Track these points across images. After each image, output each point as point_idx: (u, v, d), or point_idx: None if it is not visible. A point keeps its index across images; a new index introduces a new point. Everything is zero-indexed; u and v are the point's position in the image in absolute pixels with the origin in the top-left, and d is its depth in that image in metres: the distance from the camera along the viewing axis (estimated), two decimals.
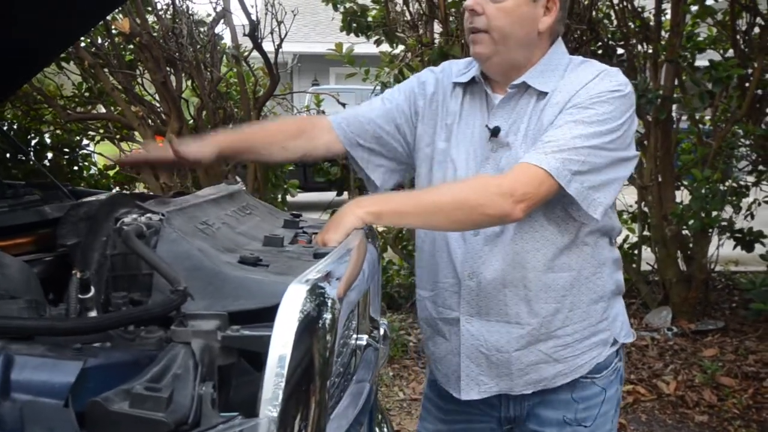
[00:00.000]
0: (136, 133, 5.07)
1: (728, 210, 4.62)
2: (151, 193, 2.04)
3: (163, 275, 0.99)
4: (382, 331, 1.66)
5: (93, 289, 1.00)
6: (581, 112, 1.53)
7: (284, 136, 1.78)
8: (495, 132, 1.62)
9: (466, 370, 1.67)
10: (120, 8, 4.74)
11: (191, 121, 4.95)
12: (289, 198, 5.66)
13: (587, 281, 1.65)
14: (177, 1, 4.73)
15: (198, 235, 1.20)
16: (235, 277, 1.08)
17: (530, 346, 1.64)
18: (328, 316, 1.04)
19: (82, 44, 4.78)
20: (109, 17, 4.76)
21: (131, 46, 4.83)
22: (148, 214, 1.16)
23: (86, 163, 5.71)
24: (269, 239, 1.39)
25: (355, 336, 1.47)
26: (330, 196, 5.22)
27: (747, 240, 4.68)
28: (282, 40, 4.56)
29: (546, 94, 1.60)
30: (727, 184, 4.56)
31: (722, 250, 4.89)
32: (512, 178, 1.49)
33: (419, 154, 1.75)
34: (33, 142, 5.54)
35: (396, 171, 1.83)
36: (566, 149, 1.49)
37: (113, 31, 4.70)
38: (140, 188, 5.59)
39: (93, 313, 1.00)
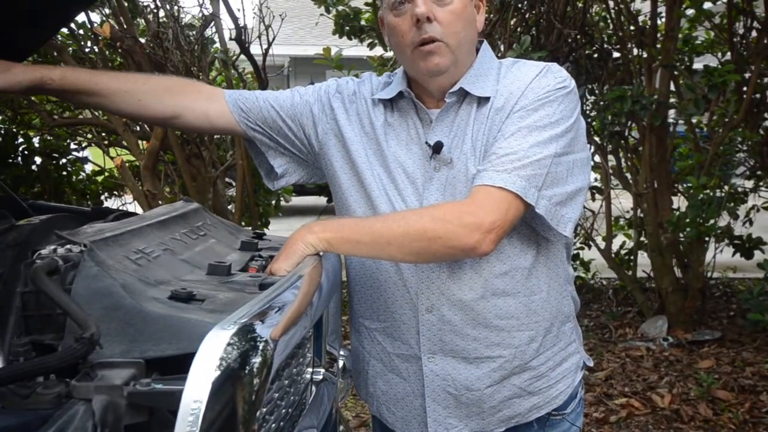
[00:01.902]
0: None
1: (726, 217, 4.52)
2: (109, 208, 1.94)
3: (72, 318, 0.90)
4: (341, 364, 1.55)
5: None
6: (531, 115, 1.40)
7: (148, 88, 1.59)
8: (437, 148, 1.46)
9: (432, 414, 1.52)
10: (104, 12, 4.68)
11: None
12: (285, 203, 5.58)
13: (556, 302, 1.53)
14: (165, 6, 4.66)
15: (127, 267, 1.11)
16: (159, 317, 0.99)
17: (503, 380, 1.50)
18: (257, 360, 0.94)
19: (69, 50, 4.71)
20: (96, 22, 4.71)
21: (119, 51, 4.75)
22: (69, 245, 1.07)
23: (74, 169, 5.63)
24: (214, 267, 1.29)
25: (309, 370, 1.38)
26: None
27: (746, 247, 4.59)
28: (270, 44, 4.47)
29: (487, 99, 1.46)
30: (724, 190, 4.46)
31: (721, 256, 4.79)
32: (475, 205, 1.35)
33: (337, 169, 1.58)
34: (21, 147, 5.46)
35: (302, 166, 1.69)
36: (527, 163, 1.36)
37: (99, 37, 4.62)
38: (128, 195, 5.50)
39: None
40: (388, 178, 1.51)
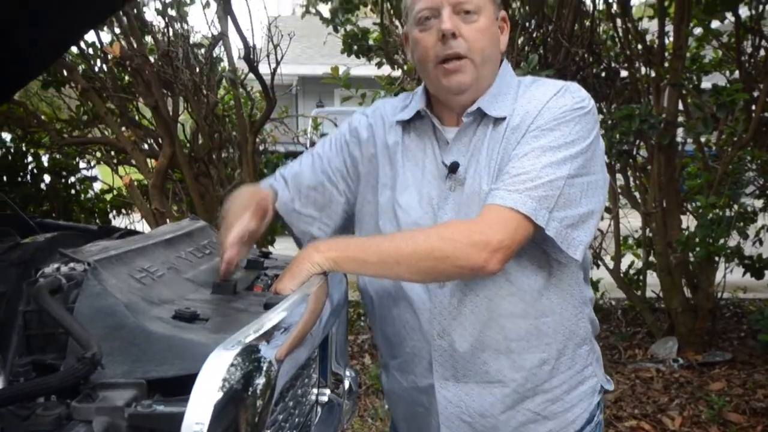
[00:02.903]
0: None
1: (736, 236, 4.48)
2: (116, 226, 1.94)
3: (74, 338, 0.89)
4: (347, 385, 1.53)
5: None
6: (546, 135, 1.39)
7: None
8: (453, 168, 1.46)
9: None
10: (114, 32, 4.72)
11: (188, 145, 4.90)
12: None
13: (570, 324, 1.51)
14: (174, 24, 4.70)
15: (131, 285, 1.10)
16: (162, 337, 0.98)
17: (517, 405, 1.48)
18: (260, 381, 0.93)
19: (80, 69, 4.75)
20: (105, 42, 4.75)
21: (128, 69, 4.78)
22: (72, 264, 1.06)
23: (83, 187, 5.65)
24: (219, 286, 1.28)
25: (315, 391, 1.36)
26: None
27: (756, 267, 4.55)
28: (278, 63, 4.49)
29: (503, 119, 1.46)
30: (734, 209, 4.43)
31: (731, 276, 4.75)
32: (484, 224, 1.34)
33: (362, 209, 1.60)
34: (30, 166, 5.49)
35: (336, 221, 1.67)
36: (539, 184, 1.35)
37: (109, 56, 4.65)
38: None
39: None
40: (398, 200, 1.51)
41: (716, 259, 4.41)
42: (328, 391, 1.38)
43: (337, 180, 1.61)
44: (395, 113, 1.59)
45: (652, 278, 5.00)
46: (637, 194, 4.89)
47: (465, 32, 1.43)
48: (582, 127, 1.41)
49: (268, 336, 1.01)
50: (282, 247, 3.83)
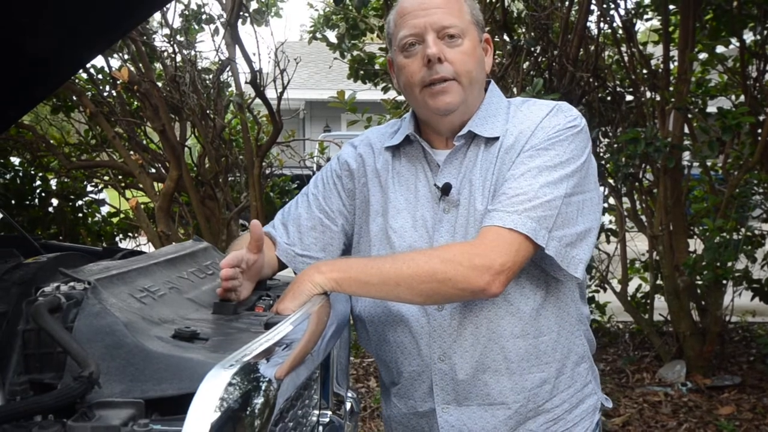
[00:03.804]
0: None
1: (744, 260, 4.46)
2: (120, 247, 1.95)
3: (72, 356, 0.89)
4: (348, 406, 1.52)
5: None
6: (541, 155, 1.40)
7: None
8: (446, 190, 1.47)
9: None
10: (123, 57, 4.77)
11: (194, 168, 4.92)
12: None
13: (567, 342, 1.51)
14: (182, 50, 4.75)
15: (131, 305, 1.10)
16: (161, 356, 0.98)
17: (520, 426, 1.48)
18: (259, 400, 0.92)
19: (88, 94, 4.80)
20: (114, 67, 4.80)
21: (137, 94, 4.83)
22: (72, 283, 1.06)
23: (90, 210, 5.69)
24: (219, 306, 1.28)
25: (316, 412, 1.35)
26: None
27: (765, 291, 4.52)
28: (285, 88, 4.53)
29: (495, 139, 1.47)
30: (741, 233, 4.40)
31: (739, 300, 4.71)
32: (485, 246, 1.35)
33: (359, 240, 1.61)
34: (38, 189, 5.53)
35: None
36: (538, 204, 1.36)
37: (118, 81, 4.70)
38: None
39: None
40: (391, 225, 1.52)
41: (724, 282, 4.38)
42: (329, 413, 1.38)
43: (335, 216, 1.62)
44: (383, 140, 1.61)
45: (660, 302, 4.97)
46: (643, 217, 4.88)
47: (450, 56, 1.45)
48: (576, 146, 1.42)
49: (267, 355, 1.01)
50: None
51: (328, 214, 1.62)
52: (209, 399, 0.84)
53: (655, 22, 5.22)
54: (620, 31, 4.72)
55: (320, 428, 1.37)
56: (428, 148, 1.53)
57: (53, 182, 5.61)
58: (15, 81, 1.92)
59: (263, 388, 0.95)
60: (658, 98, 4.58)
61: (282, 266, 1.63)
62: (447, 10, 1.46)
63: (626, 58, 4.70)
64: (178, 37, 4.74)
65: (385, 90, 5.80)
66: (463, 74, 1.46)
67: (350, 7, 5.68)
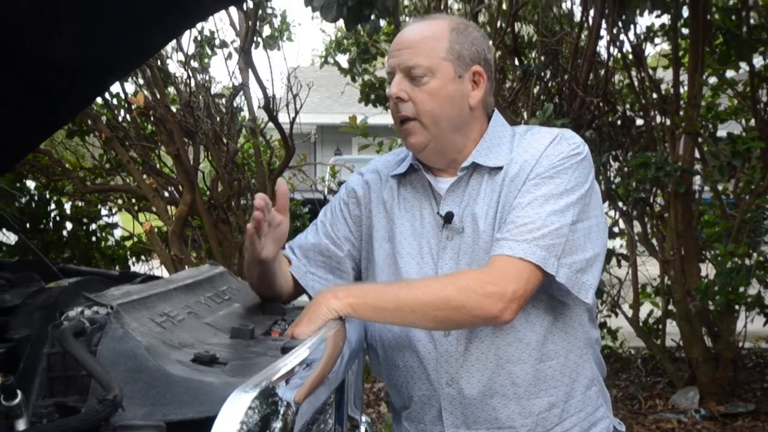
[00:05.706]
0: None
1: (756, 285, 4.44)
2: (136, 272, 1.98)
3: (96, 379, 0.91)
4: (362, 430, 1.54)
5: (20, 395, 0.92)
6: (547, 183, 1.43)
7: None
8: (448, 218, 1.51)
9: None
10: (138, 82, 4.84)
11: (207, 192, 4.97)
12: None
13: (575, 365, 1.52)
14: (196, 75, 4.82)
15: (152, 329, 1.12)
16: (181, 380, 1.00)
17: None
18: (278, 424, 0.94)
19: (103, 118, 4.86)
20: (129, 92, 4.87)
21: (151, 119, 4.90)
22: (96, 307, 1.09)
23: (104, 234, 5.73)
24: (237, 331, 1.31)
25: None
26: None
27: None
28: (297, 113, 4.58)
29: (499, 169, 1.50)
30: (753, 258, 4.39)
31: (752, 325, 4.68)
32: (497, 274, 1.38)
33: (367, 266, 1.64)
34: (53, 213, 5.58)
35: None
36: (546, 233, 1.39)
37: (133, 106, 4.77)
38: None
39: (21, 422, 0.92)
40: (398, 251, 1.55)
41: (736, 307, 4.36)
42: None
43: (341, 243, 1.65)
44: (390, 168, 1.64)
45: (672, 327, 4.94)
46: (654, 242, 4.87)
47: (413, 95, 1.49)
48: (580, 173, 1.45)
49: (285, 379, 1.03)
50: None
51: (335, 240, 1.65)
52: (230, 422, 0.86)
53: (665, 47, 5.26)
54: (630, 56, 4.75)
55: None
56: (431, 178, 1.56)
57: (67, 206, 5.67)
58: (37, 106, 1.97)
59: (282, 411, 0.97)
60: (668, 123, 4.60)
61: (297, 290, 1.66)
62: (414, 50, 1.48)
63: (636, 83, 4.73)
64: (191, 62, 4.81)
65: None
66: (422, 114, 1.48)
67: (361, 33, 5.75)
